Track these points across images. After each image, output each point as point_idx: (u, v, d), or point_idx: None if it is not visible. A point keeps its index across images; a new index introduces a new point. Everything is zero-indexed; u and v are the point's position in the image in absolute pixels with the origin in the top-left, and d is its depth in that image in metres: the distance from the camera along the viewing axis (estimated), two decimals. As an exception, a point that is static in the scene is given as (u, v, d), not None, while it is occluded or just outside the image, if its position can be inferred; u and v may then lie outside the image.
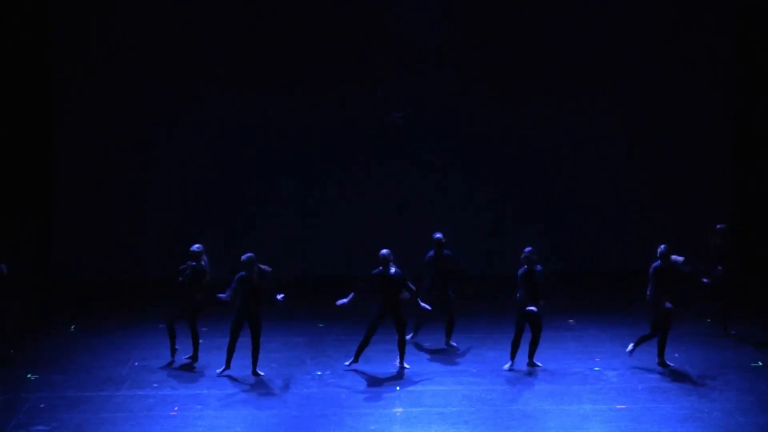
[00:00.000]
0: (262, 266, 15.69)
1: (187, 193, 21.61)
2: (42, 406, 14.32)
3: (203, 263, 16.14)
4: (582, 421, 13.63)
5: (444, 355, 16.48)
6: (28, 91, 21.06)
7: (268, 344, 17.01)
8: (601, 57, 21.48)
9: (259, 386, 15.11)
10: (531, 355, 15.72)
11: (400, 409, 14.13)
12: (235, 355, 15.84)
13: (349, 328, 17.97)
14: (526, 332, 15.67)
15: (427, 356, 16.47)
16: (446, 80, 21.55)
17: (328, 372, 15.68)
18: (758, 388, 14.70)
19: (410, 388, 14.94)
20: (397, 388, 14.96)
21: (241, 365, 15.88)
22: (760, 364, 15.75)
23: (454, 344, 17.00)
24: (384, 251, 15.82)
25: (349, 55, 21.50)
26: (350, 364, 15.84)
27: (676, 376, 15.29)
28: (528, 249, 15.79)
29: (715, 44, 21.45)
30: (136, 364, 15.95)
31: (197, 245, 16.25)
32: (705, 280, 17.12)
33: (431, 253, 16.99)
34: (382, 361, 16.21)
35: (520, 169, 21.72)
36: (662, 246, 15.70)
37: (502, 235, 21.76)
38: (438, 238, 16.94)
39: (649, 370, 15.52)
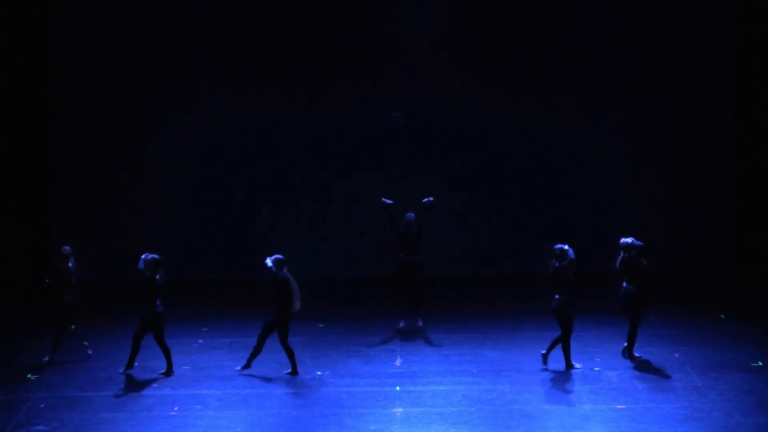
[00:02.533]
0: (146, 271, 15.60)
1: (187, 193, 21.61)
2: (42, 406, 14.32)
3: (70, 265, 16.27)
4: (582, 421, 13.63)
5: (444, 355, 16.48)
6: (29, 92, 21.07)
7: (268, 344, 17.02)
8: (601, 57, 21.48)
9: (259, 386, 15.11)
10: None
11: (400, 409, 14.13)
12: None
13: (349, 328, 18.00)
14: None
15: (427, 356, 16.46)
16: (446, 80, 21.56)
17: (328, 372, 15.68)
18: (758, 388, 14.69)
19: (410, 388, 14.94)
20: (397, 388, 14.96)
21: (239, 365, 15.88)
22: (760, 364, 15.74)
23: (420, 324, 17.56)
24: (279, 256, 15.69)
25: (352, 55, 21.49)
26: (240, 366, 15.74)
27: (676, 376, 15.29)
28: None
29: (716, 44, 21.46)
30: (136, 364, 15.92)
31: (66, 247, 16.44)
32: None
33: (402, 228, 17.82)
34: (382, 361, 16.22)
35: (520, 170, 21.72)
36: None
37: (503, 235, 21.78)
38: (409, 219, 17.88)
39: (649, 370, 15.52)
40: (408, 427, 13.53)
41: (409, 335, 17.45)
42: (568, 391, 14.71)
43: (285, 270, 15.62)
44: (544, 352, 15.74)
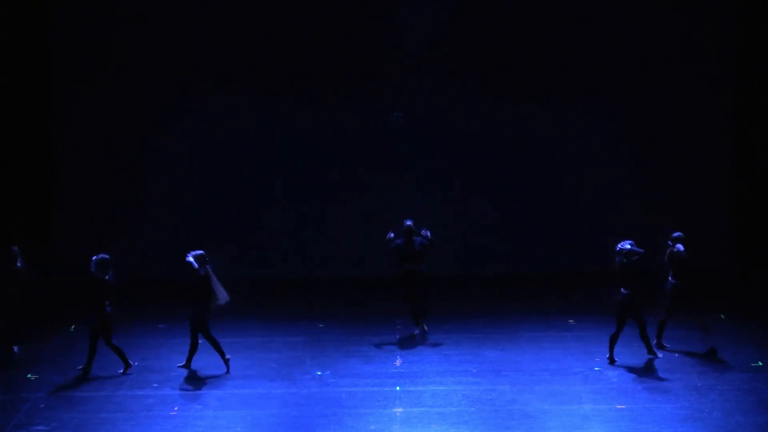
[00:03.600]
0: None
1: (187, 193, 21.61)
2: (42, 406, 14.33)
3: (18, 264, 16.34)
4: (582, 421, 13.63)
5: (444, 355, 16.48)
6: (29, 92, 21.07)
7: (269, 344, 17.03)
8: (601, 57, 21.47)
9: (259, 386, 15.11)
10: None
11: (400, 409, 14.13)
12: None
13: (349, 328, 18.00)
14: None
15: (427, 356, 16.46)
16: (446, 80, 21.55)
17: (328, 372, 15.68)
18: (758, 388, 14.70)
19: (410, 388, 14.94)
20: (397, 388, 14.96)
21: (240, 365, 15.89)
22: (760, 364, 15.75)
23: (416, 332, 17.38)
24: (200, 251, 15.71)
25: (352, 55, 21.49)
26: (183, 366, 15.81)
27: (676, 376, 15.29)
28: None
29: (716, 44, 21.45)
30: (136, 363, 15.93)
31: (15, 246, 16.54)
32: None
33: (400, 240, 17.36)
34: (382, 361, 16.22)
35: (520, 170, 21.72)
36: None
37: (503, 235, 21.77)
38: (408, 226, 17.34)
39: (649, 370, 15.52)
40: (408, 427, 13.54)
41: (409, 335, 17.45)
42: (568, 391, 14.70)
43: (207, 267, 15.62)
44: (655, 341, 16.25)
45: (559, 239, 21.64)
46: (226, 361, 15.68)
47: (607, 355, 15.89)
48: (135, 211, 21.56)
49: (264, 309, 19.41)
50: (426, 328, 17.49)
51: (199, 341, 15.67)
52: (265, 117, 21.51)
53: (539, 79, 21.50)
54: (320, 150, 21.63)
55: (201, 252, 15.68)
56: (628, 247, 15.71)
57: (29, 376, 15.57)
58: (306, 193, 21.74)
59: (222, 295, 15.68)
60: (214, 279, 15.66)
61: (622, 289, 15.63)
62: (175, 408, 14.24)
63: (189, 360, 15.73)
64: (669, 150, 21.67)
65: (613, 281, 15.79)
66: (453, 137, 21.65)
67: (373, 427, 13.52)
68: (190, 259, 15.60)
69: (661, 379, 15.13)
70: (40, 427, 13.62)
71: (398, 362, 16.16)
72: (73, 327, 18.05)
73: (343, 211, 21.77)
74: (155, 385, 15.16)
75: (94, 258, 15.53)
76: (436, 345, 16.99)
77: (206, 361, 16.11)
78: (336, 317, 18.69)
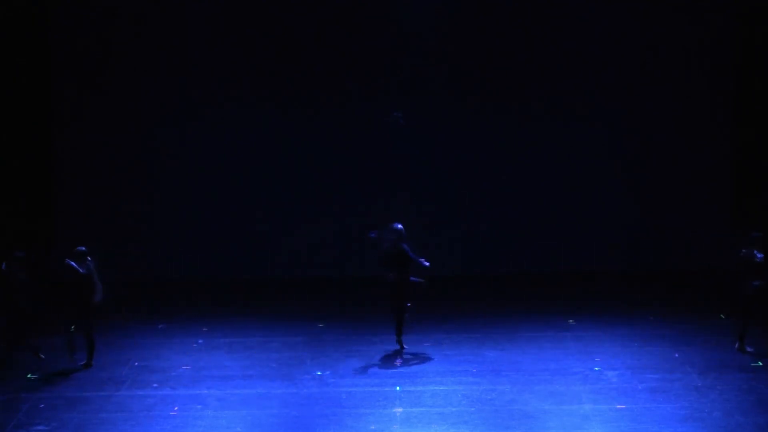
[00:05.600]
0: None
1: (187, 193, 21.60)
2: (42, 406, 14.33)
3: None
4: (582, 421, 13.63)
5: (444, 355, 16.48)
6: (29, 92, 21.07)
7: (269, 344, 17.04)
8: (601, 57, 21.47)
9: (259, 386, 15.11)
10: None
11: (400, 409, 14.13)
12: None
13: (349, 328, 18.00)
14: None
15: (427, 356, 16.46)
16: (446, 80, 21.54)
17: (328, 372, 15.68)
18: (758, 388, 14.69)
19: (410, 388, 14.94)
20: (397, 388, 14.96)
21: (240, 365, 15.90)
22: (760, 364, 15.74)
23: (405, 346, 16.76)
24: (81, 248, 15.81)
25: (352, 55, 21.48)
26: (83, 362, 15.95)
27: (676, 376, 15.28)
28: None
29: (716, 44, 21.44)
30: (136, 364, 15.94)
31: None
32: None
33: (387, 246, 16.70)
34: (382, 361, 16.22)
35: (520, 170, 21.71)
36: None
37: (502, 235, 21.77)
38: (399, 230, 16.56)
39: (649, 370, 15.52)
40: (408, 427, 13.54)
41: (408, 335, 17.42)
42: (568, 391, 14.70)
43: (89, 264, 15.72)
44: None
45: (559, 239, 21.64)
46: (88, 364, 15.79)
47: (737, 345, 16.21)
48: (135, 212, 21.55)
49: (264, 309, 19.41)
50: (403, 346, 16.78)
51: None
52: (264, 117, 21.51)
53: (539, 79, 21.50)
54: (320, 150, 21.62)
55: (83, 249, 15.79)
56: (754, 253, 16.03)
57: (29, 376, 15.57)
58: (306, 193, 21.73)
59: (98, 294, 15.78)
60: (95, 276, 15.74)
61: (753, 282, 15.90)
62: (175, 408, 14.24)
63: (90, 356, 15.91)
64: (669, 150, 21.67)
65: (738, 276, 16.05)
66: (453, 137, 21.64)
67: (373, 427, 13.52)
68: (72, 263, 15.64)
69: (661, 379, 15.12)
70: (40, 427, 13.63)
71: (398, 362, 16.16)
72: (73, 327, 18.03)
73: (343, 211, 21.76)
74: (155, 385, 15.16)
75: (5, 259, 15.64)
76: (436, 345, 16.99)
77: (206, 361, 16.13)
78: (336, 317, 18.69)
